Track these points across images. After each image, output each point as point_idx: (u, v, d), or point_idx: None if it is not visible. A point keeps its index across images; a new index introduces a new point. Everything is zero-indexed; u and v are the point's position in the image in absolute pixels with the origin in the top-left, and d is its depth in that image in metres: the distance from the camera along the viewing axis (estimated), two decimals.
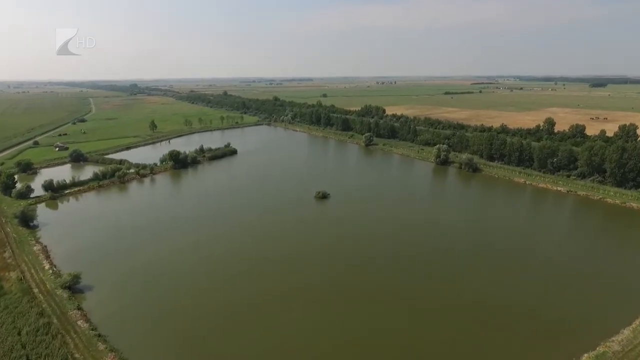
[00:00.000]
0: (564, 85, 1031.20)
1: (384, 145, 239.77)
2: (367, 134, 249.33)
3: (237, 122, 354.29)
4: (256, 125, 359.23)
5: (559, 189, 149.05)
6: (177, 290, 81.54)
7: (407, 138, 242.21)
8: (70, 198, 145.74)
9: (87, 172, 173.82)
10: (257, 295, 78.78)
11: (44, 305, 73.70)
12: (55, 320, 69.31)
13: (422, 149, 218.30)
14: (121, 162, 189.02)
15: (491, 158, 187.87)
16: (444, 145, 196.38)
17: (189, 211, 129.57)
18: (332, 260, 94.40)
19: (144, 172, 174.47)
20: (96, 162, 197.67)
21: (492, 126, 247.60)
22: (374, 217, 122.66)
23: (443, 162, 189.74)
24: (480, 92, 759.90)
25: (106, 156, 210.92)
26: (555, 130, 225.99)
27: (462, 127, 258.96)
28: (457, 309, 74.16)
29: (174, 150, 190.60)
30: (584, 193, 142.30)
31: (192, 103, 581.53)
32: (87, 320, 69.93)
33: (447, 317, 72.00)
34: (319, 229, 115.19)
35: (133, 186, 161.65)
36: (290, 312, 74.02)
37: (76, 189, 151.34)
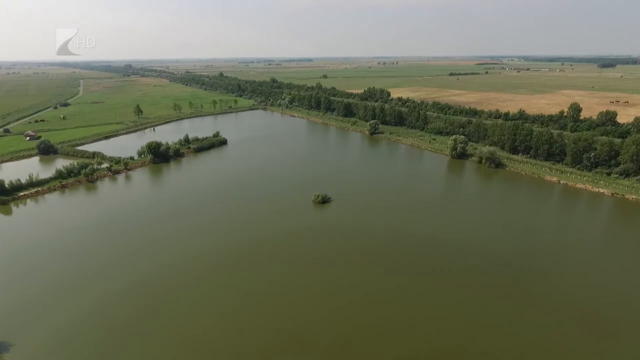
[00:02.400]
0: (571, 65, 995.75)
1: (390, 134, 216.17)
2: (372, 122, 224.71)
3: (230, 107, 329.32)
4: (251, 109, 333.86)
5: (600, 190, 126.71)
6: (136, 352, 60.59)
7: (416, 126, 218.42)
8: (28, 201, 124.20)
9: (56, 166, 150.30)
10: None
11: None
12: None
13: (434, 139, 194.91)
14: (94, 155, 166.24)
15: (514, 150, 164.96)
16: (461, 137, 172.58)
17: (164, 222, 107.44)
18: (333, 292, 73.59)
19: (117, 167, 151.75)
20: (67, 155, 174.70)
21: (508, 112, 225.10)
22: (383, 227, 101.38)
23: (459, 156, 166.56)
24: (487, 72, 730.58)
25: (80, 147, 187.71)
26: (581, 117, 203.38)
27: (475, 112, 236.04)
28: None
29: (153, 142, 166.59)
30: (634, 197, 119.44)
31: (186, 85, 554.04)
32: None
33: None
34: (318, 245, 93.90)
35: (103, 186, 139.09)
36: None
37: (34, 190, 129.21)
